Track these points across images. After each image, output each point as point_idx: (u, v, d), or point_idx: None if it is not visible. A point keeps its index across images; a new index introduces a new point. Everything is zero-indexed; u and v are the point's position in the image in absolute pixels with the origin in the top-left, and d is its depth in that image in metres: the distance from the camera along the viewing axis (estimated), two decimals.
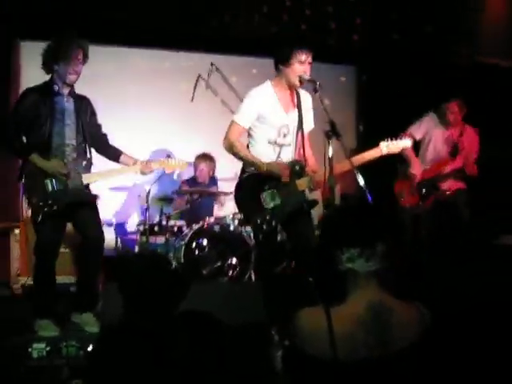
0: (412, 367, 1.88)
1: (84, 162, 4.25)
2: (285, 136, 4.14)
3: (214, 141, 6.27)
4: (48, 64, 4.17)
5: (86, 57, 4.19)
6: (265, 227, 4.04)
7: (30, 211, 4.17)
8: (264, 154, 4.12)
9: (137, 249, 5.88)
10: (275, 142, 4.14)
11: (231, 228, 5.66)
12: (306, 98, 4.23)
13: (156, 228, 5.94)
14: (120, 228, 6.38)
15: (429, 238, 5.51)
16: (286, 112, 4.14)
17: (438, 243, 5.33)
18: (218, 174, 6.61)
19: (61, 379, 2.80)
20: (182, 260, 5.46)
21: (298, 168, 4.15)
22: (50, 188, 4.09)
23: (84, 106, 4.30)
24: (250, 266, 5.45)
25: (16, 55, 6.42)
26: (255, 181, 4.09)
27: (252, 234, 5.07)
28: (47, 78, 4.24)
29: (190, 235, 5.55)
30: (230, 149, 4.13)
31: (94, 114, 4.39)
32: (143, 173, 4.39)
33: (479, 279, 3.79)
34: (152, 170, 4.42)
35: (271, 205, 4.05)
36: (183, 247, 5.50)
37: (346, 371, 1.84)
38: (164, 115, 6.83)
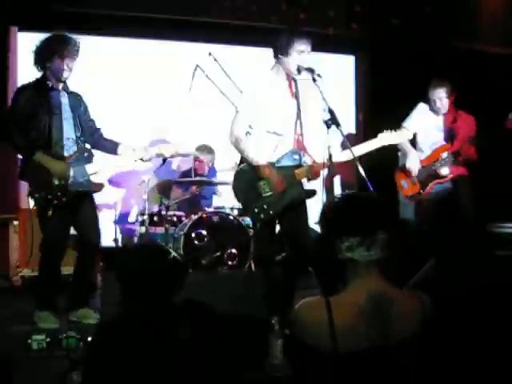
0: (414, 357, 1.87)
1: (86, 154, 4.26)
2: (283, 125, 4.13)
3: (212, 131, 6.30)
4: (41, 61, 4.17)
5: (77, 52, 4.19)
6: (262, 216, 4.05)
7: (34, 207, 4.16)
8: (262, 142, 4.11)
9: (136, 239, 5.89)
10: (274, 132, 4.12)
11: (230, 218, 5.66)
12: (306, 88, 4.21)
13: (155, 218, 5.94)
14: (119, 219, 6.38)
15: (430, 226, 5.49)
16: (285, 101, 4.12)
17: (438, 230, 5.31)
18: (217, 165, 6.61)
19: (61, 371, 2.79)
20: (182, 250, 5.46)
21: (296, 157, 4.14)
22: (56, 181, 4.09)
23: (77, 101, 4.32)
24: (250, 256, 5.47)
25: (13, 45, 6.39)
26: (253, 169, 4.08)
27: (251, 223, 5.07)
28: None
29: (189, 225, 5.56)
30: (237, 144, 4.12)
31: (86, 109, 4.41)
32: (143, 159, 4.38)
33: (474, 266, 3.79)
34: (152, 155, 4.41)
35: (269, 193, 4.05)
36: (182, 237, 5.52)
37: (347, 361, 1.84)
38: (163, 106, 6.81)
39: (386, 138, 4.20)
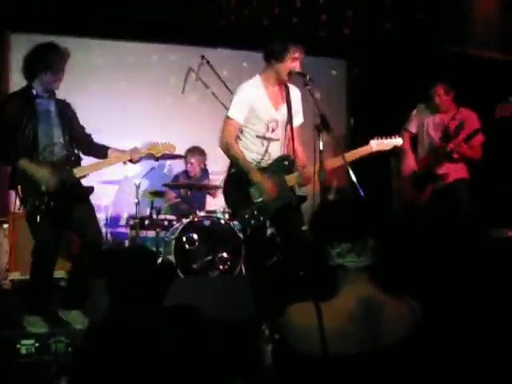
0: (403, 362, 1.87)
1: (73, 158, 4.25)
2: (273, 130, 4.12)
3: (204, 134, 6.29)
4: (33, 73, 4.16)
5: (66, 62, 4.21)
6: (253, 222, 4.02)
7: (24, 214, 4.14)
8: (252, 147, 4.10)
9: (127, 243, 5.87)
10: (264, 137, 4.11)
11: (222, 222, 5.65)
12: (296, 93, 4.21)
13: (146, 222, 5.93)
14: (110, 222, 6.35)
15: (429, 228, 5.46)
16: (275, 106, 4.11)
17: (437, 232, 5.29)
18: (210, 167, 6.59)
19: (49, 376, 2.78)
20: (173, 254, 5.44)
21: (286, 163, 4.14)
22: (43, 187, 4.07)
23: (65, 109, 4.32)
24: (241, 260, 5.45)
25: (6, 48, 6.38)
26: (244, 175, 4.06)
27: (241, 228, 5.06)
28: None
29: (180, 229, 5.54)
30: (227, 150, 4.07)
31: (75, 115, 4.40)
32: (132, 160, 4.36)
33: (470, 268, 3.79)
34: (141, 156, 4.39)
35: (259, 199, 4.03)
36: (173, 241, 5.49)
37: (337, 366, 1.84)
38: (154, 108, 6.81)
39: (376, 145, 4.24)
